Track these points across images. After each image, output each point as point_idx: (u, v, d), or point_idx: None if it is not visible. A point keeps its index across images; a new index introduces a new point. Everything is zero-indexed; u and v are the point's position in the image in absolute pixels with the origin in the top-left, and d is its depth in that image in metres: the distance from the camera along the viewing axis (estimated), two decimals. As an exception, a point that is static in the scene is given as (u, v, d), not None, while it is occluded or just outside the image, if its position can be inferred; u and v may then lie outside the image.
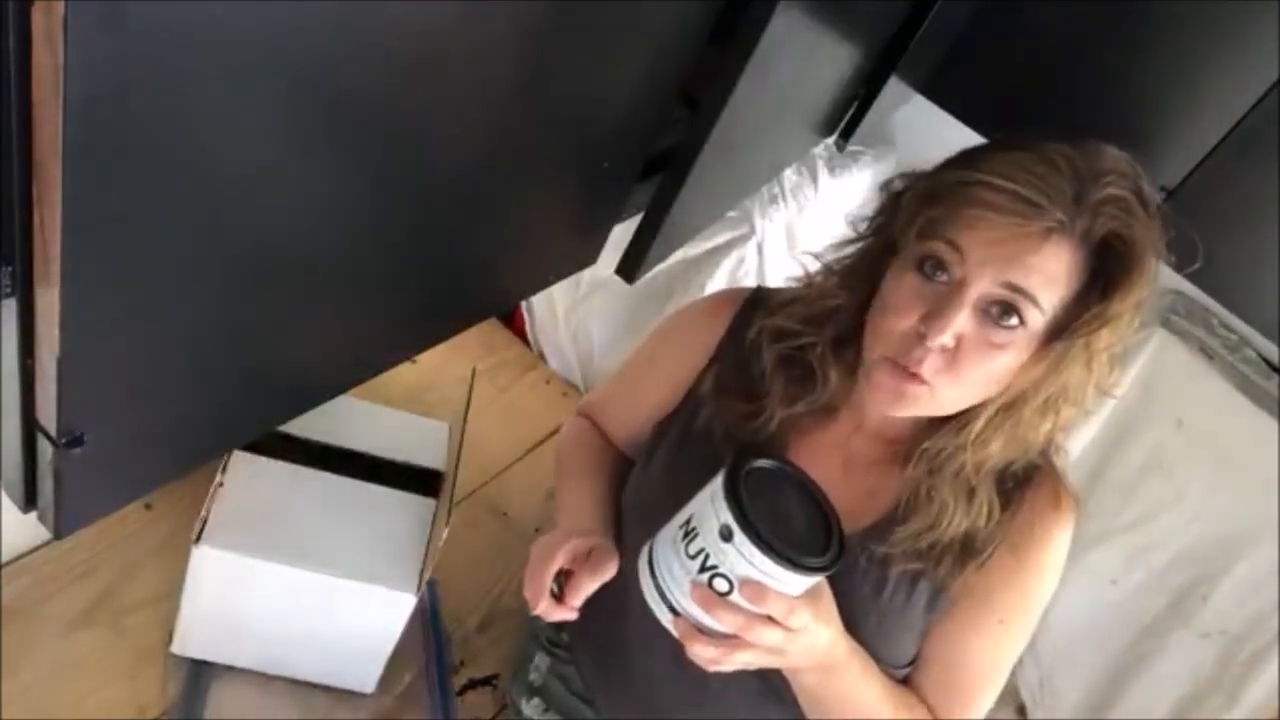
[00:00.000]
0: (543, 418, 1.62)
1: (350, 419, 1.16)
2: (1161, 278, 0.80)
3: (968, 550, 0.86)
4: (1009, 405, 0.80)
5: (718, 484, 0.76)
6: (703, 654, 0.77)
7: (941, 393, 0.79)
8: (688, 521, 0.78)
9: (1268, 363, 1.35)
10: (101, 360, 0.42)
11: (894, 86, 1.02)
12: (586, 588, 0.88)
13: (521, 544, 1.37)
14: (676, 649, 0.78)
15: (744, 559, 0.73)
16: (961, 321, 0.76)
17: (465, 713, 1.20)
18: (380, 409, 1.21)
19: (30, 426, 0.44)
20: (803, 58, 0.76)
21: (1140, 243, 0.76)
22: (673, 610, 0.78)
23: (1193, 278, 0.90)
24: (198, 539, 0.96)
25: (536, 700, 1.15)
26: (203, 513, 0.98)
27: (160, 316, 0.43)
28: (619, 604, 0.92)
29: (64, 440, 0.43)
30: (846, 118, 1.04)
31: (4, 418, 0.45)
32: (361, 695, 1.14)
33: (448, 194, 0.56)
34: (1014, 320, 0.76)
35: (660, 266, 1.11)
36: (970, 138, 0.90)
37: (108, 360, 0.43)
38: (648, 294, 1.53)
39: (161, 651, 1.09)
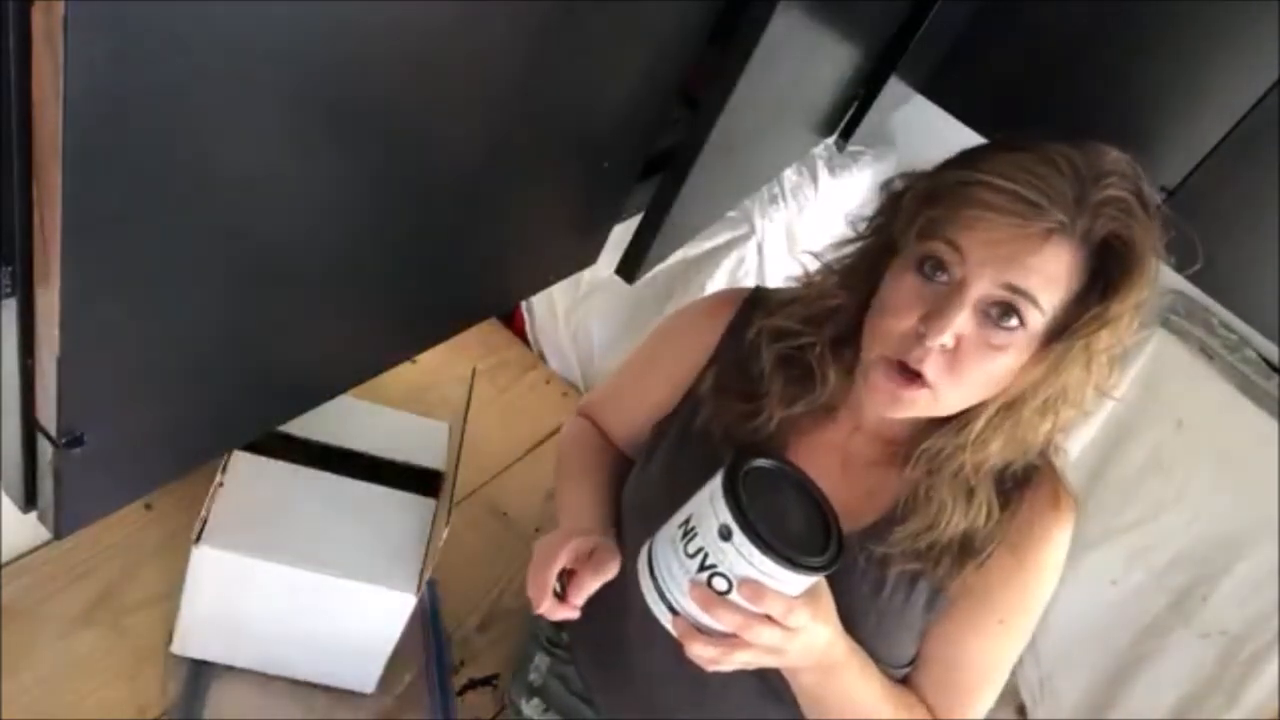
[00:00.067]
0: (543, 418, 1.62)
1: (350, 419, 1.16)
2: (1161, 278, 0.80)
3: (967, 550, 0.86)
4: (1008, 406, 0.80)
5: (717, 484, 0.76)
6: (702, 653, 0.77)
7: (943, 394, 0.79)
8: (687, 521, 0.78)
9: (1268, 363, 1.35)
10: (101, 360, 0.42)
11: (894, 86, 1.02)
12: (589, 587, 0.89)
13: (521, 544, 1.38)
14: (676, 648, 0.78)
15: (743, 558, 0.73)
16: (961, 322, 0.76)
17: (465, 713, 1.20)
18: (380, 409, 1.21)
19: (30, 426, 0.44)
20: (803, 58, 0.76)
21: (1140, 244, 0.76)
22: (672, 609, 0.78)
23: (1193, 278, 0.90)
24: (198, 539, 0.96)
25: (536, 700, 1.15)
26: (203, 513, 0.98)
27: (160, 316, 0.43)
28: (619, 603, 0.92)
29: (64, 440, 0.43)
30: (846, 118, 1.04)
31: (4, 418, 0.45)
32: (361, 695, 1.14)
33: (447, 194, 0.56)
34: (1014, 321, 0.76)
35: (660, 266, 1.11)
36: (970, 138, 0.90)
37: (107, 360, 0.43)
38: (648, 294, 1.53)
39: (161, 651, 1.09)
